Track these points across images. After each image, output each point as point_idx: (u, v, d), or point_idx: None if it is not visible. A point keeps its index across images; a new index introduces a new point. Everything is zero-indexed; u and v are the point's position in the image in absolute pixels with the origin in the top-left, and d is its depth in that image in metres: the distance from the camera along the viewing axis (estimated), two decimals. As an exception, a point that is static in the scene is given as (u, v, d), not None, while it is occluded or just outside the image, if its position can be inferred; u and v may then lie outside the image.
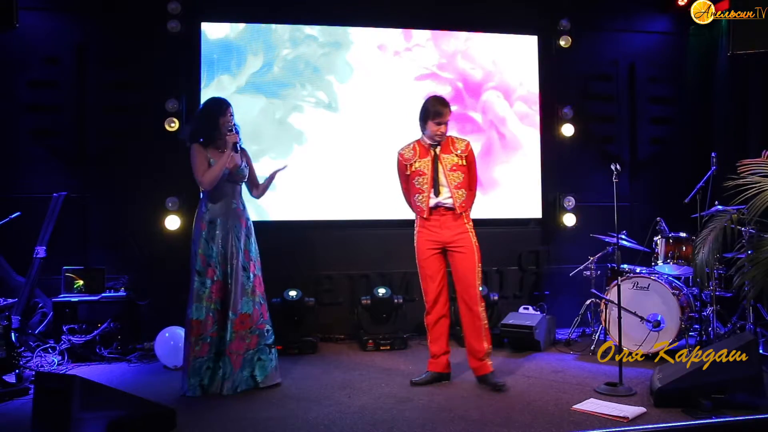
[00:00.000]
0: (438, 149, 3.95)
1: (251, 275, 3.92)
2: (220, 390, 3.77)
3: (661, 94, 6.13)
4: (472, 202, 4.04)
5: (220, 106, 3.92)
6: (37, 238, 4.83)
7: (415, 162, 3.98)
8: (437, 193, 3.91)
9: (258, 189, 4.16)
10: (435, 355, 4.01)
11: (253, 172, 4.12)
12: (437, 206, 3.93)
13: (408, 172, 4.01)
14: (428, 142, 3.97)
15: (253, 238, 4.00)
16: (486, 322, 3.92)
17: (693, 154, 6.00)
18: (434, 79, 5.70)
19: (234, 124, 3.93)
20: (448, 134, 3.97)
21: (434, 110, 3.88)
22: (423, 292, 4.02)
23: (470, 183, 4.01)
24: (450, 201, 3.92)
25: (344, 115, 5.57)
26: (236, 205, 3.94)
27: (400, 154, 4.05)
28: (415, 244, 4.04)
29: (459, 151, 3.97)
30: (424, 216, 3.95)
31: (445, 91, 5.67)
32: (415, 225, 4.07)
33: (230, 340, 3.78)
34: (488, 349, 3.92)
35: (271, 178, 4.15)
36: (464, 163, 3.97)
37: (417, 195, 3.98)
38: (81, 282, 4.86)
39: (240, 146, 3.94)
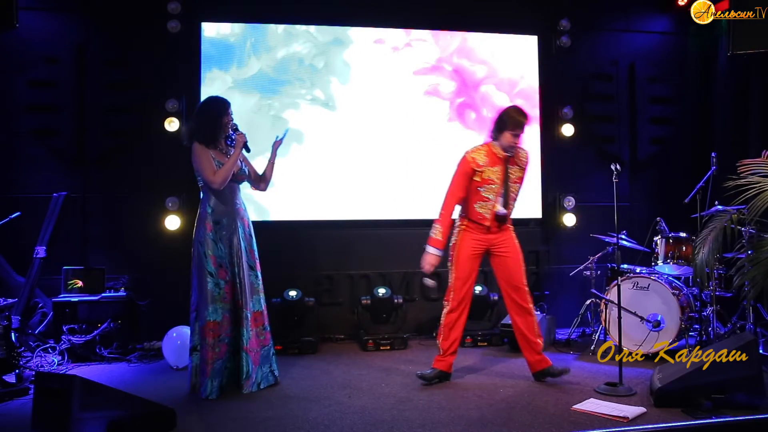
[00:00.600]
0: (509, 160, 3.94)
1: (258, 274, 3.95)
2: (240, 389, 3.77)
3: (661, 94, 6.13)
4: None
5: (222, 105, 3.91)
6: (37, 238, 4.83)
7: (486, 169, 3.88)
8: (505, 206, 3.93)
9: (263, 179, 4.10)
10: (445, 353, 3.99)
11: (253, 168, 4.09)
12: (497, 216, 3.93)
13: (477, 178, 3.88)
14: (502, 152, 3.90)
15: (254, 238, 4.01)
16: (536, 317, 4.02)
17: (693, 154, 6.00)
18: (434, 76, 5.70)
19: (235, 124, 3.94)
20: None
21: (515, 121, 3.81)
22: (451, 290, 3.96)
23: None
24: (507, 212, 3.97)
25: (344, 115, 5.57)
26: (238, 205, 3.93)
27: (472, 159, 3.88)
28: (455, 242, 3.98)
29: (522, 164, 4.00)
30: (486, 224, 3.91)
31: (448, 89, 5.68)
32: (459, 224, 4.00)
33: (249, 338, 3.80)
34: (543, 343, 4.02)
35: (273, 156, 4.07)
36: (522, 175, 4.02)
37: (480, 203, 3.90)
38: (79, 284, 4.86)
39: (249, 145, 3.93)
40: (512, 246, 4.00)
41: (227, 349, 3.80)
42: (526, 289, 4.00)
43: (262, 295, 3.96)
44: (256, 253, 3.98)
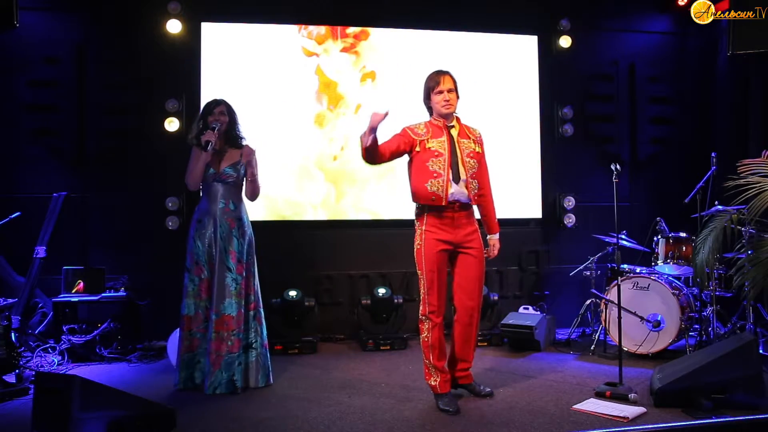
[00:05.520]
0: (455, 132, 3.54)
1: (238, 277, 3.81)
2: (202, 387, 3.80)
3: (661, 94, 6.13)
4: (494, 209, 3.72)
5: (209, 106, 3.94)
6: (37, 238, 4.83)
7: (429, 140, 3.47)
8: (456, 179, 3.43)
9: (245, 193, 3.99)
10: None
11: (251, 173, 3.91)
12: (455, 199, 3.45)
13: (419, 149, 3.48)
14: (441, 120, 3.54)
15: (246, 240, 3.89)
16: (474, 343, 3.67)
17: (693, 154, 6.00)
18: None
19: (213, 123, 3.82)
20: (462, 123, 3.61)
21: (432, 82, 3.51)
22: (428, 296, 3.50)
23: (484, 179, 3.62)
24: (465, 193, 3.47)
25: (344, 115, 5.57)
26: (224, 204, 3.85)
27: (409, 128, 3.53)
28: (418, 246, 3.52)
29: (475, 137, 3.60)
30: (443, 204, 3.43)
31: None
32: (416, 227, 3.55)
33: (211, 339, 3.78)
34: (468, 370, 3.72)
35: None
36: (480, 150, 3.59)
37: (431, 180, 3.43)
38: (80, 286, 4.87)
39: (212, 146, 3.75)
40: (479, 248, 3.55)
41: (199, 344, 3.85)
42: (477, 304, 3.57)
43: (240, 299, 3.79)
44: (243, 255, 3.85)
